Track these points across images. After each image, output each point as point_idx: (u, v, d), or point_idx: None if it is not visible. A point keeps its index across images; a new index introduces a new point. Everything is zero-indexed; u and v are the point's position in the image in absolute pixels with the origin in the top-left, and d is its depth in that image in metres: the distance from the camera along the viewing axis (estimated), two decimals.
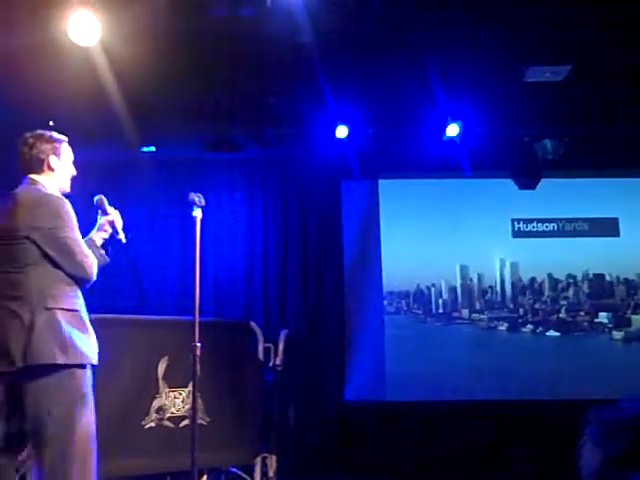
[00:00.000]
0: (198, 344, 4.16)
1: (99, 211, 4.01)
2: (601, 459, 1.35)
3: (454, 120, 7.32)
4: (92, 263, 3.70)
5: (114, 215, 3.99)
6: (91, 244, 3.86)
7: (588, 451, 1.39)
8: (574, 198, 8.41)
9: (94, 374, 3.74)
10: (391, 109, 7.22)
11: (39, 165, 3.77)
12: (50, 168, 3.79)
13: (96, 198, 4.00)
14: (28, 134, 3.82)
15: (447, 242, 8.31)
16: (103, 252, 3.95)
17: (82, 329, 3.65)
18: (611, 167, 8.26)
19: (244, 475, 6.15)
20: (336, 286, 8.21)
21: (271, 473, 6.16)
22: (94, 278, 3.72)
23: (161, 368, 5.74)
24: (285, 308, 8.08)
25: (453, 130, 7.38)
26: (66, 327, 3.55)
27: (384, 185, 8.42)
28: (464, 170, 7.82)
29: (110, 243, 4.01)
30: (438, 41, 6.06)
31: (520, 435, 7.53)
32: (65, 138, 3.89)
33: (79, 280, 3.68)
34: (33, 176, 3.77)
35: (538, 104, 7.19)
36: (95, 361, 3.69)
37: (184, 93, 6.40)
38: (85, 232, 3.90)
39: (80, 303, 3.71)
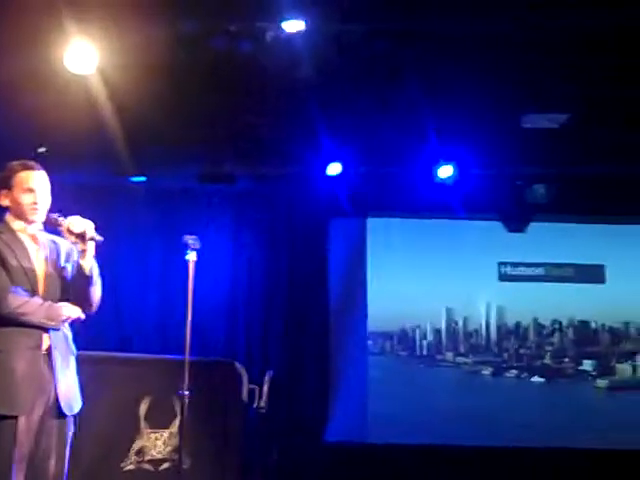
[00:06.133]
0: (187, 392, 3.98)
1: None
2: None
3: (447, 162, 7.28)
4: (0, 297, 3.42)
5: (68, 222, 3.61)
6: (77, 270, 3.62)
7: None
8: (562, 243, 8.34)
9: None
10: (383, 148, 7.17)
11: None
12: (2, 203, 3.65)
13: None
14: None
15: (434, 283, 8.21)
16: (88, 274, 3.61)
17: None
18: (599, 213, 8.23)
19: None
20: (321, 325, 8.08)
21: None
22: (6, 310, 3.40)
23: (142, 408, 5.55)
24: (268, 347, 7.93)
25: (445, 171, 7.33)
26: None
27: (373, 224, 8.33)
28: (454, 212, 7.76)
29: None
30: (435, 83, 6.02)
31: None
32: (17, 167, 3.65)
33: None
34: None
35: (532, 149, 7.16)
36: None
37: (178, 124, 6.30)
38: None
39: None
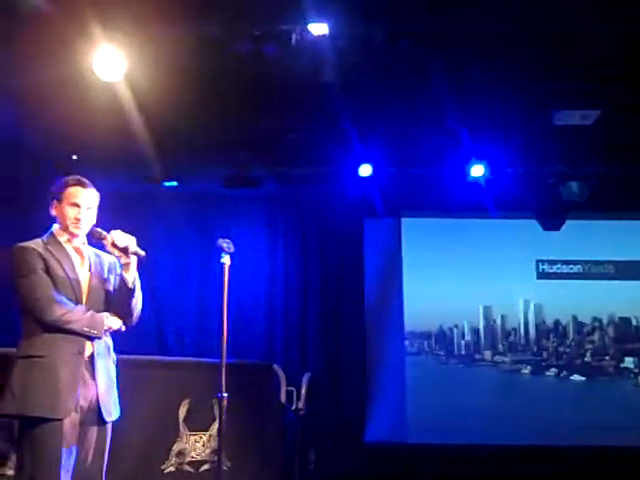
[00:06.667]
0: (225, 395, 4.01)
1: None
2: None
3: (479, 160, 7.25)
4: (46, 305, 3.51)
5: (112, 237, 3.71)
6: (120, 283, 3.73)
7: None
8: (600, 240, 8.27)
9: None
10: (415, 148, 7.16)
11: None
12: (52, 215, 3.78)
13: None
14: None
15: (470, 282, 8.18)
16: (131, 286, 3.70)
17: (35, 377, 3.48)
18: (636, 209, 8.14)
19: None
20: (357, 326, 8.10)
21: None
22: (50, 318, 3.50)
23: (182, 411, 5.62)
24: (305, 349, 7.97)
25: (478, 170, 7.30)
26: (18, 376, 3.49)
27: (407, 223, 8.35)
28: (488, 210, 7.73)
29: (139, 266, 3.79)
30: (464, 82, 6.01)
31: None
32: (70, 182, 3.77)
33: (40, 322, 3.53)
34: None
35: (565, 146, 7.10)
36: (43, 413, 3.42)
37: (206, 128, 6.36)
38: None
39: (44, 348, 3.52)
